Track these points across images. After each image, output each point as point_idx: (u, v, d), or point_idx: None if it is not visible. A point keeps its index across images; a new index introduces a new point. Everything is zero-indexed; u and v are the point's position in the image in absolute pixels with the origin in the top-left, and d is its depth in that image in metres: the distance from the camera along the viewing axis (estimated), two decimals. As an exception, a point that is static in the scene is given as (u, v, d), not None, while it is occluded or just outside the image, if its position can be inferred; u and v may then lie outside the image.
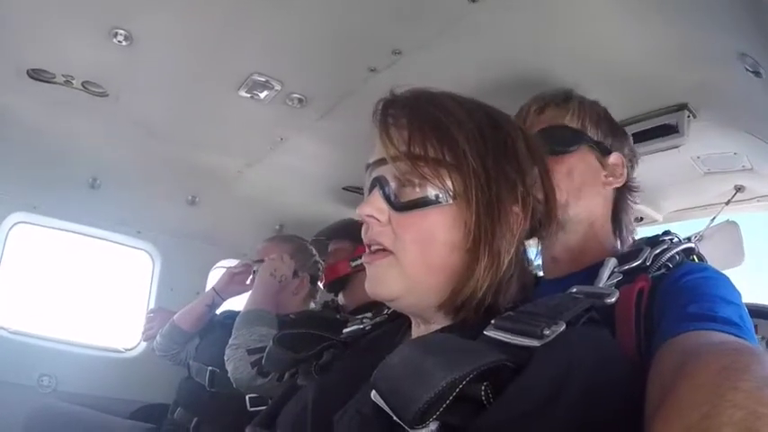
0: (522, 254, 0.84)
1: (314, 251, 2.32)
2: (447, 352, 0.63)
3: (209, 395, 2.08)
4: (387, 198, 0.81)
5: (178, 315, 2.27)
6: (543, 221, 0.86)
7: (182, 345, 2.27)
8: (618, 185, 1.20)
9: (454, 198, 0.78)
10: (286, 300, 2.15)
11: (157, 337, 2.29)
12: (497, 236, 0.77)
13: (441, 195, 0.78)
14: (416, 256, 0.79)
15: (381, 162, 0.83)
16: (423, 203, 0.79)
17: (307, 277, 2.25)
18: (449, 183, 0.78)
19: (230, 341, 1.85)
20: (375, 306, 1.09)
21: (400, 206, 0.80)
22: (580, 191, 1.14)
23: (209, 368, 2.09)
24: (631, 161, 1.26)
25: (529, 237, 0.86)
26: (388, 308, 1.05)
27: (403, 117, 0.82)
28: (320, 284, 2.33)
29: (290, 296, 2.19)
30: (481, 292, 0.78)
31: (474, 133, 0.79)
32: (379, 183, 0.82)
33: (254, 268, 2.25)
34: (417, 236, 0.79)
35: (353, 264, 2.03)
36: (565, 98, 1.23)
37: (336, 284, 2.17)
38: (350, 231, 2.08)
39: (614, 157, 1.20)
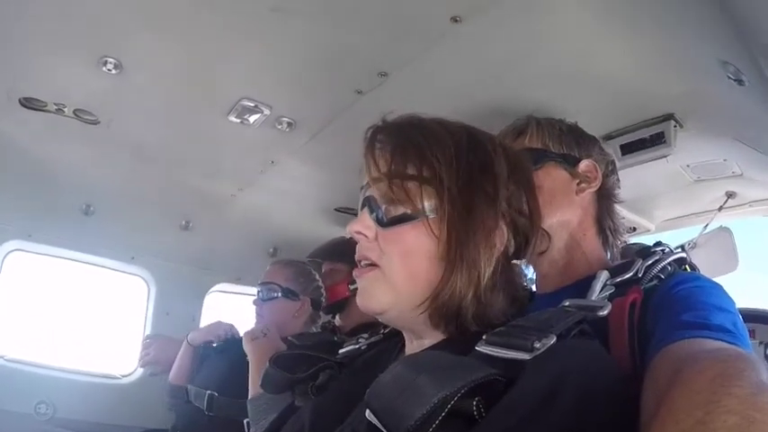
0: (507, 267, 0.85)
1: (317, 276, 2.31)
2: (438, 368, 0.64)
3: (207, 419, 2.05)
4: (374, 216, 0.85)
5: (171, 375, 2.27)
6: (528, 235, 0.87)
7: (186, 397, 2.25)
8: (593, 190, 1.22)
9: (433, 213, 0.81)
10: (287, 323, 2.14)
11: (167, 398, 2.28)
12: (472, 246, 0.79)
13: (420, 211, 0.82)
14: (400, 268, 0.82)
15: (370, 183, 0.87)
16: (404, 219, 0.82)
17: (308, 301, 2.24)
18: (426, 199, 0.82)
19: None
20: (371, 327, 1.10)
21: (384, 222, 0.84)
22: (551, 204, 1.15)
23: (208, 392, 2.07)
24: (607, 164, 1.28)
25: (516, 255, 0.87)
26: (384, 327, 1.06)
27: (388, 142, 0.86)
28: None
29: (291, 320, 2.18)
30: (463, 302, 0.79)
31: (451, 151, 0.83)
32: (368, 202, 0.86)
33: (259, 290, 2.24)
34: (400, 249, 0.82)
35: (352, 287, 2.03)
36: (520, 126, 1.26)
37: (334, 307, 2.17)
38: (345, 253, 2.06)
39: (584, 165, 1.22)
